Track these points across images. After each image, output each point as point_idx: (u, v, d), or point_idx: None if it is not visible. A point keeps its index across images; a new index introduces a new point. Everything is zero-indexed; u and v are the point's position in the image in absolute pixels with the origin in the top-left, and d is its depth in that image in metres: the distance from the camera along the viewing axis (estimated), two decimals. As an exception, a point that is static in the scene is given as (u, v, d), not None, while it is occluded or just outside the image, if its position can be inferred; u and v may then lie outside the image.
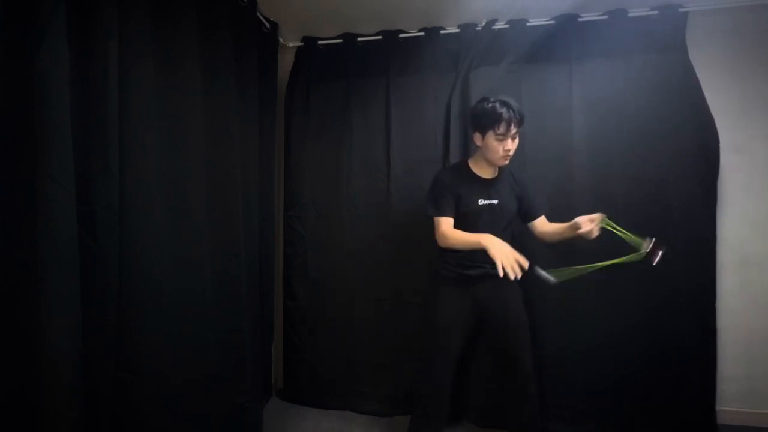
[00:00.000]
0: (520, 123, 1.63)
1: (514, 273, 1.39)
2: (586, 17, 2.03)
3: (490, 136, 1.63)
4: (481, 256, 1.51)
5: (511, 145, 1.64)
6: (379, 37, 2.23)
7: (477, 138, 1.69)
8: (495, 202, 1.70)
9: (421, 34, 2.20)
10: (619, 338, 1.95)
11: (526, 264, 1.42)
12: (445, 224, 1.67)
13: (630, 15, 1.98)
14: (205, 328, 1.56)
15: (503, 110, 1.59)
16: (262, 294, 2.12)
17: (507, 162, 1.68)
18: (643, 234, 1.58)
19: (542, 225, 1.80)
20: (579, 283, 1.94)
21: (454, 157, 2.09)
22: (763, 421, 1.99)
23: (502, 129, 1.59)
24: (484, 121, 1.63)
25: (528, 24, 2.07)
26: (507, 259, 1.41)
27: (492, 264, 1.43)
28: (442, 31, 2.18)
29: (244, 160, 1.84)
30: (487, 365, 1.99)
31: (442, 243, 1.68)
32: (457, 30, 2.15)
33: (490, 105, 1.62)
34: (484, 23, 2.11)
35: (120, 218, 1.22)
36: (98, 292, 1.15)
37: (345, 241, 2.26)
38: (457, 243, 1.63)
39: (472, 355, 1.99)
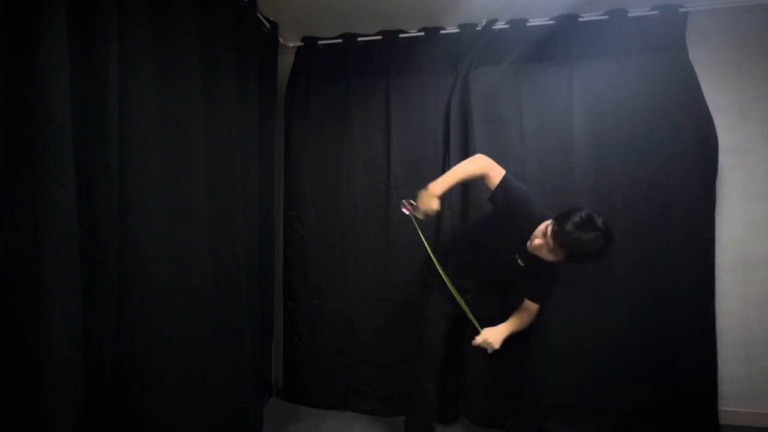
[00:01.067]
0: (565, 254, 1.42)
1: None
2: (586, 17, 2.03)
3: (548, 235, 1.43)
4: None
5: (540, 243, 1.47)
6: (379, 37, 2.23)
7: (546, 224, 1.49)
8: (522, 265, 1.59)
9: (421, 34, 2.20)
10: (619, 338, 1.95)
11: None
12: (495, 165, 1.59)
13: (630, 15, 1.99)
14: (205, 328, 1.56)
15: (567, 247, 1.38)
16: (262, 294, 2.12)
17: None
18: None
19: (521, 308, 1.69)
20: (579, 283, 1.97)
21: (454, 157, 2.09)
22: (763, 421, 1.99)
23: (550, 243, 1.42)
24: (560, 236, 1.40)
25: (528, 24, 2.07)
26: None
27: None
28: (442, 31, 2.18)
29: (244, 160, 1.84)
30: (485, 365, 1.99)
31: (478, 160, 1.62)
32: (457, 30, 2.16)
33: (575, 237, 1.37)
34: (484, 23, 2.11)
35: (120, 218, 1.22)
36: (98, 291, 1.15)
37: (345, 241, 2.26)
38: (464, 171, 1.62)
39: (468, 355, 2.00)
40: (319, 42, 2.28)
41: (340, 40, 2.27)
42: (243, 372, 1.77)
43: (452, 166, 2.05)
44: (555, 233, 1.41)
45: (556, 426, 1.98)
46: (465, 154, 2.08)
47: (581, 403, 1.99)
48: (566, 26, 2.04)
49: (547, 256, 1.46)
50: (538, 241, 1.46)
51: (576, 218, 1.39)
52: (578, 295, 1.98)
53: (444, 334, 1.78)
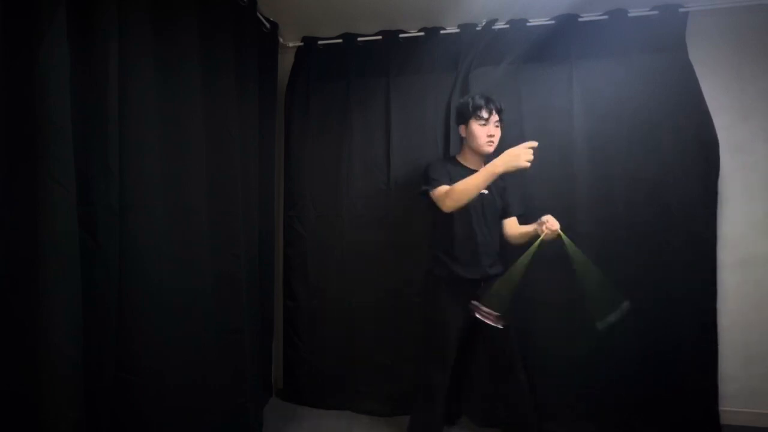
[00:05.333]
0: (499, 112, 1.75)
1: (528, 160, 1.47)
2: (586, 17, 2.03)
3: (473, 123, 1.73)
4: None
5: (494, 131, 1.74)
6: (379, 37, 2.23)
7: (462, 130, 1.80)
8: (485, 192, 1.69)
9: (421, 34, 2.20)
10: (619, 338, 1.94)
11: (534, 144, 1.50)
12: (445, 187, 1.66)
13: (630, 15, 1.99)
14: (205, 328, 1.56)
15: (482, 100, 1.73)
16: (262, 294, 2.12)
17: (492, 149, 1.73)
18: None
19: (511, 226, 1.83)
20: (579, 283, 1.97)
21: (454, 157, 2.09)
22: (763, 421, 1.99)
23: (484, 114, 1.71)
24: (466, 111, 1.75)
25: (528, 24, 2.07)
26: (518, 158, 1.48)
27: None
28: (442, 31, 2.18)
29: (244, 160, 1.84)
30: (486, 365, 1.99)
31: (450, 203, 1.62)
32: (457, 30, 2.16)
33: (470, 97, 1.77)
34: (484, 23, 2.11)
35: (120, 218, 1.21)
36: (98, 291, 1.15)
37: (345, 241, 2.26)
38: (468, 188, 1.58)
39: (470, 355, 2.00)
40: (319, 42, 2.28)
41: (340, 40, 2.27)
42: (243, 372, 1.77)
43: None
44: (458, 123, 1.80)
45: (556, 426, 1.97)
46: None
47: (581, 403, 1.99)
48: (566, 26, 2.04)
49: (484, 140, 1.72)
50: (474, 141, 1.74)
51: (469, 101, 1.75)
52: (579, 295, 1.97)
53: (458, 333, 1.78)
